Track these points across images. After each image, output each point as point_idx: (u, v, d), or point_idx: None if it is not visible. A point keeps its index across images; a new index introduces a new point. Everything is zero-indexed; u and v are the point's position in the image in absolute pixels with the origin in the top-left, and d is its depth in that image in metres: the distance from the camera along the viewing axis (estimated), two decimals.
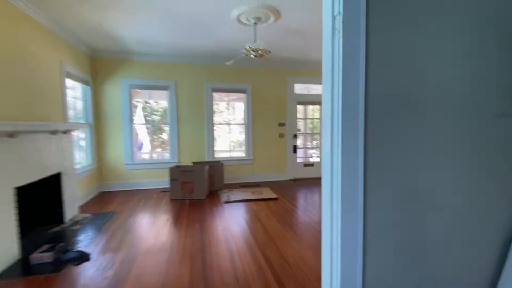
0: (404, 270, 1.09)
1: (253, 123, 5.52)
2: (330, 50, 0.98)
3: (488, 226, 1.17)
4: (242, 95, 5.58)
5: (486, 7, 1.08)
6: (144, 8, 2.99)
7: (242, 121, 5.70)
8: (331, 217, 1.01)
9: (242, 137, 5.82)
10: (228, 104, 6.18)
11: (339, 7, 0.93)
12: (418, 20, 1.01)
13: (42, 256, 2.21)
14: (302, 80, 5.75)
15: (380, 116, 1.00)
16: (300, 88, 5.83)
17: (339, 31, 0.94)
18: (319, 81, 5.48)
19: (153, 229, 2.99)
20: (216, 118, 5.72)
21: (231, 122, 5.96)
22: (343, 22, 0.92)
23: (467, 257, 1.16)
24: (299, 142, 6.02)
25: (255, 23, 3.25)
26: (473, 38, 1.08)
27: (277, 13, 3.11)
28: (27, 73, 2.84)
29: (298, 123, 5.97)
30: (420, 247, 1.09)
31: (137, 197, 4.35)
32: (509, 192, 1.17)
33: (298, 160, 5.89)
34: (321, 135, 1.14)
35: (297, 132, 5.87)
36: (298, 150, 5.84)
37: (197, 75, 5.19)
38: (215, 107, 5.62)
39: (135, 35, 3.82)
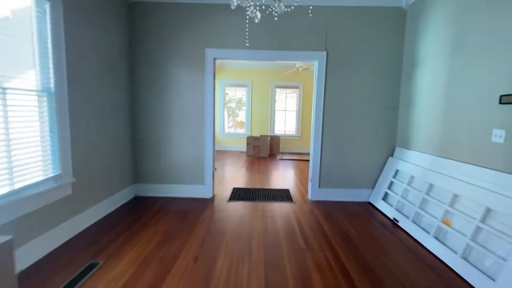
0: (337, 161, 3.37)
1: (302, 110, 7.77)
2: (317, 89, 3.29)
3: (378, 150, 3.32)
4: (296, 90, 7.85)
5: (377, 67, 3.19)
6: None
7: (295, 108, 8.00)
8: (314, 146, 3.37)
9: (294, 119, 8.14)
10: (285, 96, 8.51)
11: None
12: (347, 76, 3.22)
13: None
14: None
15: (331, 110, 3.27)
16: None
17: (316, 81, 3.24)
18: None
19: (242, 165, 5.71)
20: (277, 106, 8.16)
21: (287, 109, 8.32)
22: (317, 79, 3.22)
23: (370, 161, 3.34)
24: None
25: None
26: (373, 78, 3.22)
27: None
28: None
29: None
30: (343, 153, 3.34)
31: (229, 154, 7.24)
32: (384, 139, 3.29)
33: None
34: (312, 126, 3.48)
35: None
36: None
37: (265, 77, 7.69)
38: (276, 97, 8.05)
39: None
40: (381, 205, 3.06)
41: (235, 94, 8.33)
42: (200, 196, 3.40)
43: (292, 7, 1.54)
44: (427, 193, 2.46)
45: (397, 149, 3.23)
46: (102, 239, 2.24)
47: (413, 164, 2.81)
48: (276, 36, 3.16)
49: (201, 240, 2.27)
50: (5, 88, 1.67)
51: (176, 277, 1.75)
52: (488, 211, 1.84)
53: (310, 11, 2.92)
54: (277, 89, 7.94)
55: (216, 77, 3.43)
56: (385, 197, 3.09)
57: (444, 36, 2.48)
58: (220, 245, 2.19)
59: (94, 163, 2.55)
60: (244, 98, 8.00)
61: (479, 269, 1.74)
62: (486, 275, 1.68)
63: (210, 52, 3.17)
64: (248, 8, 1.48)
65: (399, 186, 2.92)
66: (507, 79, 1.82)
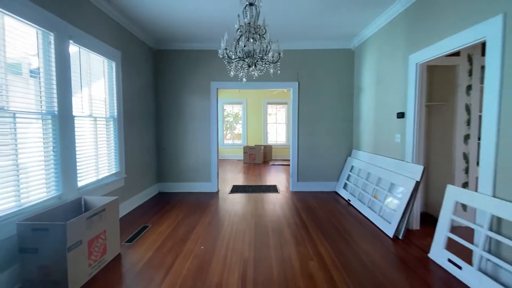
0: (310, 161, 4.49)
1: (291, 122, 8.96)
2: (292, 109, 4.46)
3: (340, 152, 4.47)
4: (284, 105, 9.08)
5: (336, 91, 4.39)
6: None
7: (284, 121, 9.19)
8: (292, 151, 4.50)
9: (284, 130, 9.31)
10: (276, 111, 9.73)
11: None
12: (314, 98, 4.40)
13: None
14: None
15: (303, 124, 4.43)
16: None
17: (291, 101, 4.42)
18: None
19: (240, 170, 6.80)
20: (269, 119, 9.35)
21: (277, 122, 9.51)
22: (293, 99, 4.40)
23: (334, 161, 4.48)
24: None
25: None
26: (333, 99, 4.40)
27: None
28: None
29: None
30: (314, 155, 4.48)
31: (228, 162, 8.35)
32: (344, 144, 4.44)
33: None
34: (290, 136, 4.64)
35: None
36: None
37: (258, 95, 8.93)
38: (268, 112, 9.26)
39: None
40: (342, 192, 4.17)
41: (232, 109, 9.53)
42: (208, 190, 4.49)
43: (264, 71, 2.69)
44: (367, 179, 3.58)
45: (353, 151, 4.37)
46: (146, 214, 3.32)
47: (361, 160, 3.94)
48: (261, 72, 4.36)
49: (211, 215, 3.36)
50: (96, 117, 2.81)
51: (199, 231, 2.83)
52: (392, 185, 2.96)
53: (280, 55, 4.12)
54: (268, 105, 9.17)
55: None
56: (345, 186, 4.20)
57: (372, 73, 3.68)
58: (225, 217, 3.27)
59: (135, 165, 3.66)
60: (241, 113, 9.20)
61: (384, 219, 2.84)
62: (387, 221, 2.78)
63: (213, 84, 4.36)
64: (236, 61, 2.63)
65: (353, 177, 4.04)
66: (400, 103, 2.99)
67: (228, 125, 9.66)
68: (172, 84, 4.37)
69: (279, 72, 2.94)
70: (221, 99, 8.91)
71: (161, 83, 4.37)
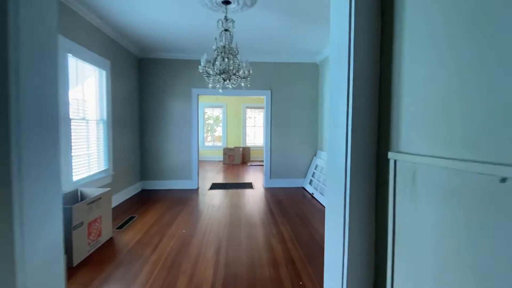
0: (281, 161, 5.06)
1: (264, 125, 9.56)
2: (265, 114, 5.02)
3: (307, 152, 5.08)
4: (263, 109, 9.67)
5: (304, 98, 5.00)
6: None
7: (262, 125, 9.78)
8: (265, 151, 5.05)
9: (262, 133, 9.89)
10: (254, 114, 10.31)
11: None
12: (285, 104, 4.99)
13: None
14: None
15: (275, 127, 5.00)
16: None
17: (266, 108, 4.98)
18: None
19: (219, 170, 7.25)
20: (248, 122, 9.89)
21: (256, 125, 10.08)
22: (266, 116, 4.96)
23: (302, 160, 5.08)
24: None
25: None
26: (301, 105, 5.01)
27: None
28: None
29: None
30: (285, 155, 5.05)
31: (208, 163, 8.75)
32: (311, 145, 5.06)
33: None
34: (263, 138, 5.20)
35: None
36: None
37: (237, 99, 9.45)
38: (247, 115, 9.80)
39: None
40: (308, 187, 4.78)
41: (213, 113, 9.96)
42: (189, 187, 4.91)
43: (236, 84, 3.20)
44: (324, 174, 4.20)
45: (318, 151, 5.00)
46: (133, 207, 3.70)
47: (322, 159, 4.58)
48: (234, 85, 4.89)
49: (192, 207, 3.81)
50: (87, 120, 3.18)
51: (181, 219, 3.27)
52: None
53: (249, 72, 4.69)
54: (248, 109, 9.71)
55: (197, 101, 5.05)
56: (310, 182, 4.81)
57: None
58: (204, 208, 3.73)
59: (122, 163, 4.02)
60: (221, 117, 9.66)
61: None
62: None
63: (194, 91, 4.81)
64: (213, 76, 3.13)
65: (316, 174, 4.66)
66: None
67: (209, 128, 10.07)
68: (156, 89, 4.77)
69: (249, 85, 3.47)
70: (202, 102, 9.32)
71: (146, 89, 4.75)
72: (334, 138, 1.14)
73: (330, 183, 1.17)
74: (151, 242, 2.61)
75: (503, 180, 0.53)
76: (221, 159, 9.20)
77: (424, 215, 0.77)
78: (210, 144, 10.00)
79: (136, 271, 2.08)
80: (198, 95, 4.86)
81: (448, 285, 0.69)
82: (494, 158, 0.57)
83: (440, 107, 0.73)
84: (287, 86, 4.99)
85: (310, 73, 5.01)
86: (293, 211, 3.62)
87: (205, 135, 9.86)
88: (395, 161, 0.91)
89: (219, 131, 9.96)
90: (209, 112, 9.93)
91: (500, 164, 0.54)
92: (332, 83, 1.19)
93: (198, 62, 4.73)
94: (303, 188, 5.00)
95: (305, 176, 5.11)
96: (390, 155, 0.92)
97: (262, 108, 9.63)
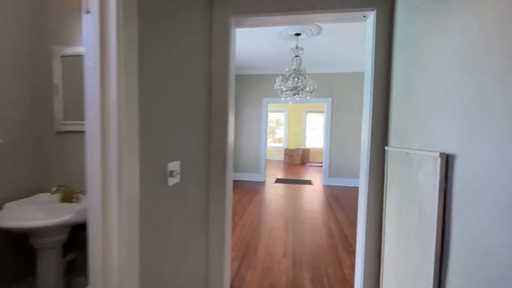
0: (339, 161, 5.59)
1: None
2: (325, 118, 5.64)
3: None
4: (323, 113, 10.13)
5: (360, 106, 5.45)
6: None
7: (322, 127, 10.24)
8: (325, 151, 5.66)
9: (322, 136, 10.34)
10: (315, 118, 10.82)
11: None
12: (343, 112, 5.52)
13: None
14: None
15: (335, 130, 5.57)
16: None
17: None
18: None
19: (281, 168, 8.10)
20: (308, 125, 10.48)
21: (316, 128, 10.59)
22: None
23: (359, 161, 5.52)
24: None
25: None
26: (358, 112, 5.47)
27: None
28: None
29: None
30: (343, 156, 5.56)
31: (270, 162, 9.72)
32: None
33: None
34: (324, 140, 5.80)
35: None
36: None
37: (298, 104, 10.15)
38: (308, 118, 10.40)
39: None
40: None
41: (275, 116, 10.91)
42: (257, 180, 5.88)
43: (303, 96, 3.94)
44: None
45: None
46: None
47: None
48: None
49: (263, 194, 4.72)
50: None
51: (256, 201, 4.20)
52: None
53: (314, 87, 5.34)
54: (308, 113, 10.32)
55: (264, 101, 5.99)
56: None
57: None
58: (272, 196, 4.60)
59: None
60: (282, 120, 10.51)
61: None
62: None
63: (265, 100, 5.76)
64: (285, 92, 3.94)
65: None
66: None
67: (270, 130, 11.04)
68: (236, 98, 5.89)
69: (313, 98, 4.17)
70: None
71: None
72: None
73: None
74: (238, 213, 3.59)
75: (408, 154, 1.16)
76: (281, 159, 10.03)
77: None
78: (271, 145, 10.95)
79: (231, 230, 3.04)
80: (267, 103, 5.79)
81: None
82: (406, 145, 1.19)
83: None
84: (345, 94, 5.49)
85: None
86: (349, 204, 4.17)
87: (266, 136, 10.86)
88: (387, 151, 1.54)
89: (279, 133, 10.83)
90: (271, 116, 10.90)
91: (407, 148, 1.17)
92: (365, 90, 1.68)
93: (268, 76, 5.66)
94: None
95: None
96: (387, 148, 1.55)
97: (322, 112, 10.10)
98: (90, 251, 0.81)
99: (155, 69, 0.95)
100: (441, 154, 0.79)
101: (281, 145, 10.63)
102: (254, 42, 3.98)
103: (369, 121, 1.48)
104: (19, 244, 1.63)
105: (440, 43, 0.86)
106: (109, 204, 0.78)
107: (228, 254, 1.76)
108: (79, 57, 1.68)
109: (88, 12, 0.73)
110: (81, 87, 1.71)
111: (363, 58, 4.64)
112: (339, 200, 4.41)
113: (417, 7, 1.01)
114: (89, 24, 0.73)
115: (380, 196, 1.48)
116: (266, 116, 5.84)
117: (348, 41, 3.83)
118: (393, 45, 1.34)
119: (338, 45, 4.00)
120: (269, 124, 10.91)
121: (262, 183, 5.67)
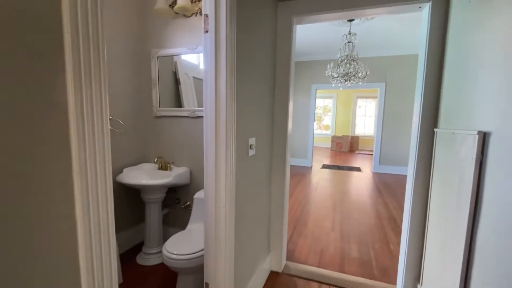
0: (390, 149, 5.45)
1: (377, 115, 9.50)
2: (379, 105, 5.51)
3: None
4: (375, 99, 9.65)
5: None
6: None
7: (373, 114, 9.77)
8: (376, 140, 5.57)
9: (372, 122, 9.90)
10: (366, 103, 10.35)
11: None
12: (397, 95, 5.31)
13: None
14: None
15: (388, 117, 5.41)
16: None
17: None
18: None
19: (327, 155, 8.13)
20: (358, 112, 10.11)
21: (366, 115, 10.15)
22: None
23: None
24: None
25: None
26: (413, 96, 5.21)
27: None
28: None
29: None
30: (394, 144, 5.40)
31: (316, 149, 9.76)
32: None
33: None
34: (375, 127, 5.67)
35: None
36: None
37: (350, 90, 9.82)
38: (358, 104, 10.03)
39: None
40: None
41: (323, 102, 10.76)
42: (305, 165, 6.10)
43: (355, 83, 3.95)
44: None
45: None
46: None
47: None
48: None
49: (310, 178, 4.95)
50: None
51: (304, 184, 4.47)
52: None
53: (367, 73, 5.18)
54: (358, 99, 9.93)
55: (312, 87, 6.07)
56: None
57: None
58: (319, 180, 4.80)
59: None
60: (330, 106, 10.33)
61: None
62: None
63: (313, 86, 5.84)
64: (337, 78, 4.00)
65: None
66: None
67: (317, 117, 10.96)
68: None
69: (365, 84, 4.14)
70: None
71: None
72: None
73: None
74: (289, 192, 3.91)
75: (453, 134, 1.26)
76: (328, 146, 9.96)
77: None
78: (318, 131, 10.90)
79: None
80: (316, 89, 5.87)
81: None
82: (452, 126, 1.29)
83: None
84: (399, 78, 5.23)
85: None
86: (399, 190, 4.13)
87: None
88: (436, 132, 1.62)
89: (326, 120, 10.68)
90: (318, 102, 10.78)
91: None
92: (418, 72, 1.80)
93: (318, 63, 5.70)
94: None
95: None
96: (436, 130, 1.63)
97: (374, 97, 9.61)
98: (206, 203, 1.20)
99: (243, 70, 1.27)
100: (479, 132, 0.95)
101: (328, 132, 10.52)
102: (306, 30, 4.10)
103: (420, 104, 1.60)
104: (134, 199, 2.22)
105: (486, 37, 0.99)
106: (220, 169, 1.15)
107: (285, 221, 2.09)
108: (169, 57, 2.14)
109: (206, 32, 1.07)
110: (170, 81, 2.18)
111: (416, 39, 4.36)
112: (389, 187, 4.39)
113: (469, 1, 1.12)
114: (207, 40, 1.08)
115: (428, 175, 1.61)
116: (315, 102, 5.93)
117: (403, 24, 3.69)
118: (447, 34, 1.43)
119: (391, 28, 3.87)
120: (316, 111, 10.82)
121: (308, 168, 5.88)
